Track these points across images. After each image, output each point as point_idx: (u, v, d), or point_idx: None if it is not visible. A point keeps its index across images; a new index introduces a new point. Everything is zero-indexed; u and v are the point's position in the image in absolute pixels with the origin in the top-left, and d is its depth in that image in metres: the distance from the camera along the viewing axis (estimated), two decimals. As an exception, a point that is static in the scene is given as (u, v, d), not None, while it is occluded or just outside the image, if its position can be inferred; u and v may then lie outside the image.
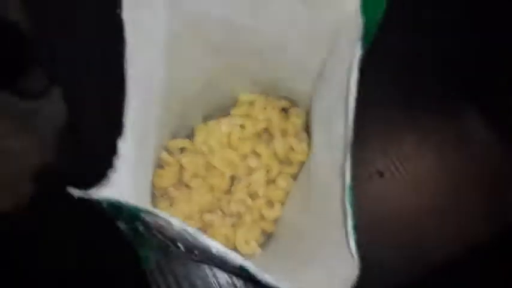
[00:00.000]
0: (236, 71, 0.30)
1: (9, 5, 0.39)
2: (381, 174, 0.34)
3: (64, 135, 0.49)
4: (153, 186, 0.29)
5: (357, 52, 0.21)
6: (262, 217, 0.30)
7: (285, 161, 0.31)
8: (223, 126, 0.31)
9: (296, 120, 0.32)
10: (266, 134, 0.32)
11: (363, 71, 0.21)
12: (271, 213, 0.30)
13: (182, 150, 0.31)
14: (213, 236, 0.29)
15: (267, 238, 0.30)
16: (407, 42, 0.36)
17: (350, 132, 0.21)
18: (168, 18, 0.24)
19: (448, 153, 0.36)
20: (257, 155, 0.31)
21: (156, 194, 0.30)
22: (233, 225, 0.30)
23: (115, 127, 0.21)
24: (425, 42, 0.37)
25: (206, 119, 0.32)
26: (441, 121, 0.36)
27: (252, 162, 0.31)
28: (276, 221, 0.30)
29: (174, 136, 0.31)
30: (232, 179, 0.31)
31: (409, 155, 0.35)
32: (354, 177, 0.21)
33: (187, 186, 0.30)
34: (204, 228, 0.30)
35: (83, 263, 0.31)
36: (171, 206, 0.29)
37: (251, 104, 0.32)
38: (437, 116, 0.36)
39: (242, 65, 0.29)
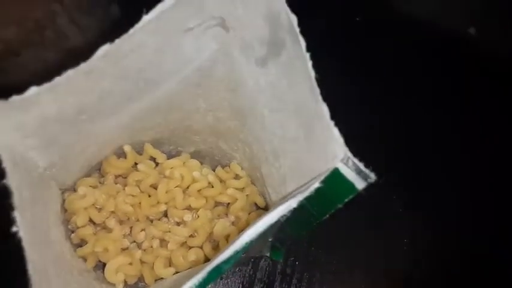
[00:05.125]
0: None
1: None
2: None
3: None
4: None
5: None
6: (151, 266, 0.29)
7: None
8: (196, 172, 0.31)
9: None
10: (222, 208, 0.32)
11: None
12: (163, 272, 0.29)
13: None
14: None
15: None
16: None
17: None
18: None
19: None
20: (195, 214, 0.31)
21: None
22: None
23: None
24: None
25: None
26: None
27: (188, 217, 0.30)
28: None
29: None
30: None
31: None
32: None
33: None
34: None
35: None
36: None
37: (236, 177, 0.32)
38: None
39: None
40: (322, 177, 0.18)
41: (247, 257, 0.34)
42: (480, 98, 0.41)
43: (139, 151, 0.32)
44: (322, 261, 0.36)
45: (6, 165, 0.19)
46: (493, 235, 0.37)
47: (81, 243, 0.29)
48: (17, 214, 0.18)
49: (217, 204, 0.32)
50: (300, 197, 0.18)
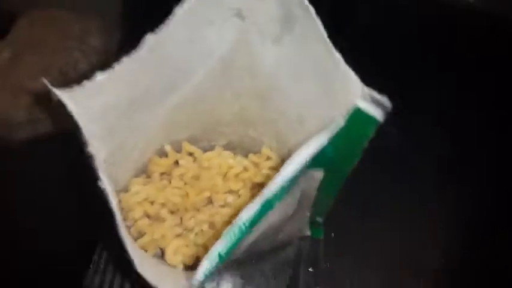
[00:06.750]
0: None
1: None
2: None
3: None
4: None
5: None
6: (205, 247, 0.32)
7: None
8: (231, 159, 0.35)
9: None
10: (259, 188, 0.34)
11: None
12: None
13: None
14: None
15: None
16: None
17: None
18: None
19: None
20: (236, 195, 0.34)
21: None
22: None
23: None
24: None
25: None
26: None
27: (230, 199, 0.33)
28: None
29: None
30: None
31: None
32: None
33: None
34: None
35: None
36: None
37: (267, 159, 0.35)
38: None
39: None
40: (346, 116, 0.21)
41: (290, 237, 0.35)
42: (477, 69, 0.43)
43: (178, 150, 0.35)
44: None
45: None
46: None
47: (139, 236, 0.32)
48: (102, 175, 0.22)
49: (254, 185, 0.35)
50: (327, 133, 0.21)
